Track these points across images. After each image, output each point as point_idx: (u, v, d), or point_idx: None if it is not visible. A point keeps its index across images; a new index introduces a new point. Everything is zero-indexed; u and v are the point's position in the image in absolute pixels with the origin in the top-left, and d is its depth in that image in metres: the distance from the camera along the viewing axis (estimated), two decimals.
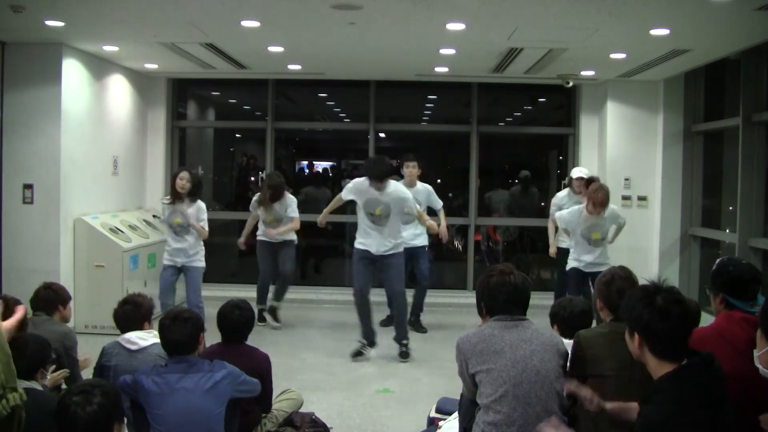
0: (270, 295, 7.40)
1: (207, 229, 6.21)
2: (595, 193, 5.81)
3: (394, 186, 6.10)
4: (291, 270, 7.36)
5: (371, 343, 6.17)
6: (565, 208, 6.52)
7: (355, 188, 6.13)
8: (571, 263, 6.11)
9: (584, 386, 2.66)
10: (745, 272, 2.84)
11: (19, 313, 2.49)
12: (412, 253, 6.93)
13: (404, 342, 6.20)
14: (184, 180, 6.13)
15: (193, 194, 6.17)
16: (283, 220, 7.11)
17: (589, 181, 6.45)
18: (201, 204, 6.21)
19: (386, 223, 6.04)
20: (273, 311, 7.39)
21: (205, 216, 6.21)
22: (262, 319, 7.23)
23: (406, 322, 6.34)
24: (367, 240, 6.07)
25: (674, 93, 7.96)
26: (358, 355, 6.13)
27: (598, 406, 2.59)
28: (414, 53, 6.87)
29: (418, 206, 6.40)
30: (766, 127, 6.45)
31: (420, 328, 7.18)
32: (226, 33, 6.12)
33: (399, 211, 6.11)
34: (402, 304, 6.21)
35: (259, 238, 7.23)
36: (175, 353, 3.12)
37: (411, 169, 7.03)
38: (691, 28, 5.54)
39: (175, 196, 6.16)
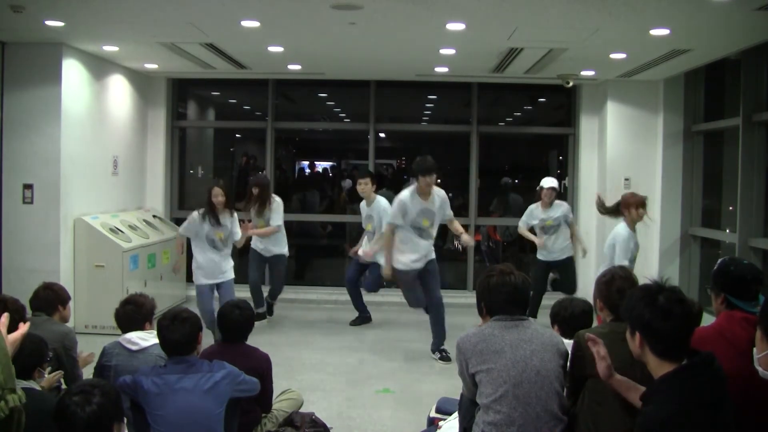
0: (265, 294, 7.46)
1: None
2: None
3: (436, 191, 6.06)
4: (281, 287, 7.44)
5: (444, 355, 6.14)
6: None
7: (403, 207, 5.95)
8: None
9: (601, 345, 2.60)
10: (747, 272, 2.84)
11: (23, 328, 2.52)
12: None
13: (442, 349, 6.17)
14: (219, 196, 6.08)
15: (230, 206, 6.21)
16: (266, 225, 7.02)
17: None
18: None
19: (433, 233, 6.07)
20: (269, 307, 7.51)
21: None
22: (261, 317, 7.23)
23: (444, 328, 6.24)
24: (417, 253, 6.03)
25: (674, 93, 7.96)
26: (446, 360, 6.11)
27: (606, 372, 2.56)
28: (414, 53, 6.87)
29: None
30: (766, 127, 6.45)
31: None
32: (226, 33, 6.11)
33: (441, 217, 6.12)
34: (441, 311, 6.19)
35: (252, 246, 7.18)
36: (174, 353, 3.12)
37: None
38: (691, 28, 5.54)
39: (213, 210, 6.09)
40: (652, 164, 8.08)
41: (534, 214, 7.13)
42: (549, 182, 7.11)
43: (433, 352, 6.23)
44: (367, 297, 7.66)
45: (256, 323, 4.66)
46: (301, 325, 7.49)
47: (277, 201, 7.06)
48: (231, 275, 6.25)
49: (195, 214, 6.15)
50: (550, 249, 7.07)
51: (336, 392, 5.31)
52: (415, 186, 6.00)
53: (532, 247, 7.50)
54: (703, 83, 7.83)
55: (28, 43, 6.47)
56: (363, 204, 7.14)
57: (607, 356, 2.59)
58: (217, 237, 6.10)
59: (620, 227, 5.63)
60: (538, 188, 7.14)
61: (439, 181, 7.24)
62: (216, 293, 6.23)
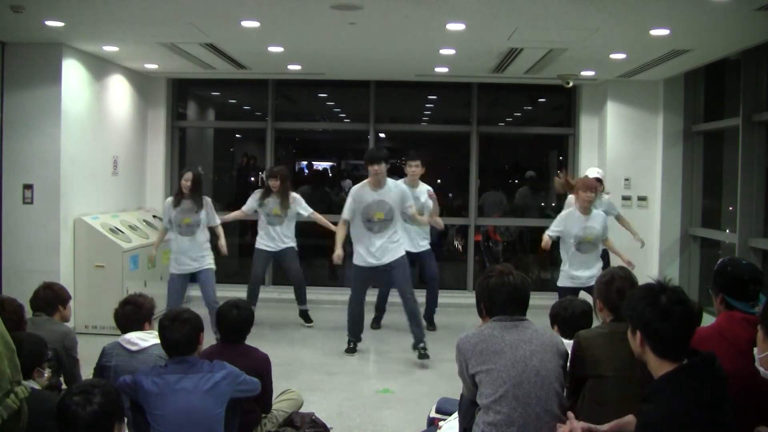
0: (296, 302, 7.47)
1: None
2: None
3: (393, 183, 6.05)
4: (301, 274, 7.38)
5: (422, 353, 6.12)
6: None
7: (350, 199, 6.02)
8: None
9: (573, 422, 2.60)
10: (745, 273, 2.83)
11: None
12: (419, 255, 6.95)
13: (420, 347, 6.15)
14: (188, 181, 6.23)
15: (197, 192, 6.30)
16: (287, 218, 7.09)
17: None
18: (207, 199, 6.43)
19: (389, 227, 5.98)
20: (304, 314, 7.45)
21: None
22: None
23: (418, 326, 6.22)
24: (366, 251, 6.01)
25: (674, 93, 7.96)
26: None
27: None
28: (414, 53, 6.87)
29: (412, 205, 6.27)
30: (766, 127, 6.45)
31: (431, 326, 7.09)
32: (226, 33, 6.11)
33: (401, 211, 6.06)
34: (412, 308, 6.14)
35: (258, 246, 7.17)
36: (174, 354, 3.11)
37: (414, 168, 6.91)
38: (691, 28, 5.54)
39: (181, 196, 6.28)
40: (652, 164, 8.09)
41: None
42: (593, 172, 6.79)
43: (414, 349, 6.16)
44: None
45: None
46: (301, 325, 7.49)
47: (295, 194, 7.23)
48: (206, 264, 6.29)
49: (168, 199, 6.48)
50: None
51: (336, 392, 5.30)
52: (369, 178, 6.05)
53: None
54: (702, 83, 7.84)
55: (28, 43, 6.47)
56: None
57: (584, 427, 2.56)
58: (184, 222, 6.22)
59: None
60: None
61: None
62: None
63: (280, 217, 7.06)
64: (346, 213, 6.06)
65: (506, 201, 9.74)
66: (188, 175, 6.26)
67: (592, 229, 5.78)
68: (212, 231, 6.53)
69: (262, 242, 7.14)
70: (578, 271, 5.80)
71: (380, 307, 7.36)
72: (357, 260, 6.12)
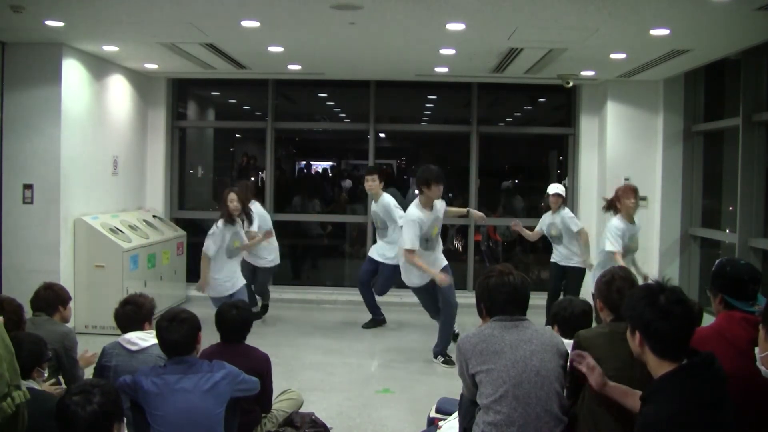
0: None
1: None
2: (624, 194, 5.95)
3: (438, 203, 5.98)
4: (265, 287, 7.45)
5: (447, 359, 6.08)
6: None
7: (417, 226, 5.69)
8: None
9: (588, 357, 2.63)
10: (743, 272, 2.84)
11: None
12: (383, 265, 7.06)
13: (446, 353, 6.09)
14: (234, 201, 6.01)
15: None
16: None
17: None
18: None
19: (439, 241, 6.01)
20: (264, 308, 7.53)
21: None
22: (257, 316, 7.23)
23: (448, 333, 6.14)
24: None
25: (674, 93, 7.96)
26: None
27: (599, 381, 2.57)
28: (414, 53, 6.87)
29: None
30: (766, 127, 6.45)
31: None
32: (226, 33, 6.11)
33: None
34: (449, 314, 6.04)
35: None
36: (173, 354, 3.11)
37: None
38: (691, 28, 5.54)
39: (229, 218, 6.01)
40: (652, 164, 8.09)
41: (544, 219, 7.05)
42: (554, 188, 6.98)
43: (435, 356, 6.12)
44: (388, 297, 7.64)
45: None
46: (301, 325, 7.49)
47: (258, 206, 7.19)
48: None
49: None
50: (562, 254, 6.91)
51: (336, 392, 5.30)
52: (419, 197, 5.86)
53: (546, 248, 7.42)
54: (702, 83, 7.84)
55: (28, 43, 6.47)
56: (373, 202, 7.12)
57: (596, 365, 2.59)
58: (234, 245, 6.05)
59: (613, 219, 5.89)
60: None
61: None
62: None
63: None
64: (414, 242, 5.70)
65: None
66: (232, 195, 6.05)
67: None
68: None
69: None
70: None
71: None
72: (414, 283, 6.06)
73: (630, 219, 5.90)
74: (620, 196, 5.93)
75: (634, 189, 5.98)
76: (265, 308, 7.60)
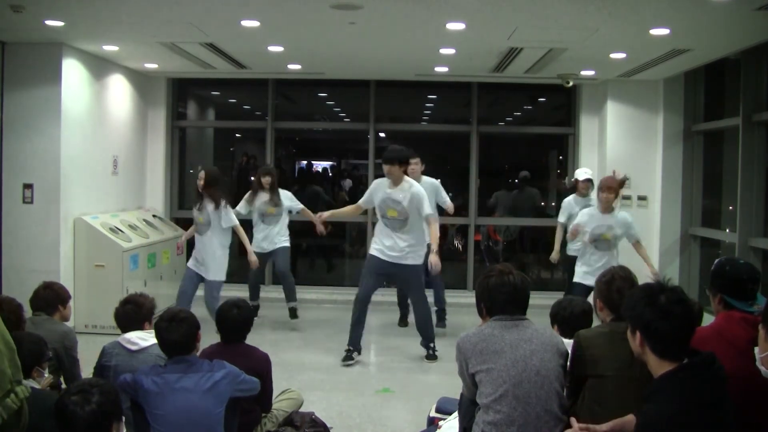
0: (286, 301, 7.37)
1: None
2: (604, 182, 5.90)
3: (411, 185, 5.88)
4: (287, 269, 7.29)
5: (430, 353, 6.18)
6: (576, 213, 6.41)
7: (370, 189, 6.08)
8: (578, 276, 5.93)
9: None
10: (743, 272, 2.83)
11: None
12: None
13: (430, 346, 6.18)
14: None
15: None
16: (282, 214, 7.15)
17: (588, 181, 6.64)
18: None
19: (405, 230, 5.86)
20: (293, 311, 7.31)
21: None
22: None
23: (427, 328, 6.19)
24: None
25: (674, 93, 7.96)
26: None
27: None
28: (414, 53, 6.87)
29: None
30: (766, 127, 6.45)
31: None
32: (226, 33, 6.12)
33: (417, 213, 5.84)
34: (422, 312, 6.13)
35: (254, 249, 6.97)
36: (173, 354, 3.12)
37: (413, 165, 6.62)
38: (691, 28, 5.54)
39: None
40: (652, 164, 8.09)
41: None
42: (583, 174, 6.79)
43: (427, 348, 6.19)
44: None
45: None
46: (300, 325, 7.48)
47: (284, 191, 7.32)
48: (211, 273, 6.22)
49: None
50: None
51: (336, 392, 5.30)
52: None
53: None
54: (702, 83, 7.84)
55: (28, 43, 6.47)
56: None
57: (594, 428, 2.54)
58: (199, 221, 6.27)
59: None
60: (568, 182, 6.86)
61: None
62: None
63: (274, 216, 7.09)
64: (363, 199, 6.20)
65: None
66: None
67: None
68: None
69: (256, 244, 7.03)
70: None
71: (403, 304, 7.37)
72: (371, 250, 6.14)
73: (583, 196, 6.01)
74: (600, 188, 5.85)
75: (609, 186, 5.85)
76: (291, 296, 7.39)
